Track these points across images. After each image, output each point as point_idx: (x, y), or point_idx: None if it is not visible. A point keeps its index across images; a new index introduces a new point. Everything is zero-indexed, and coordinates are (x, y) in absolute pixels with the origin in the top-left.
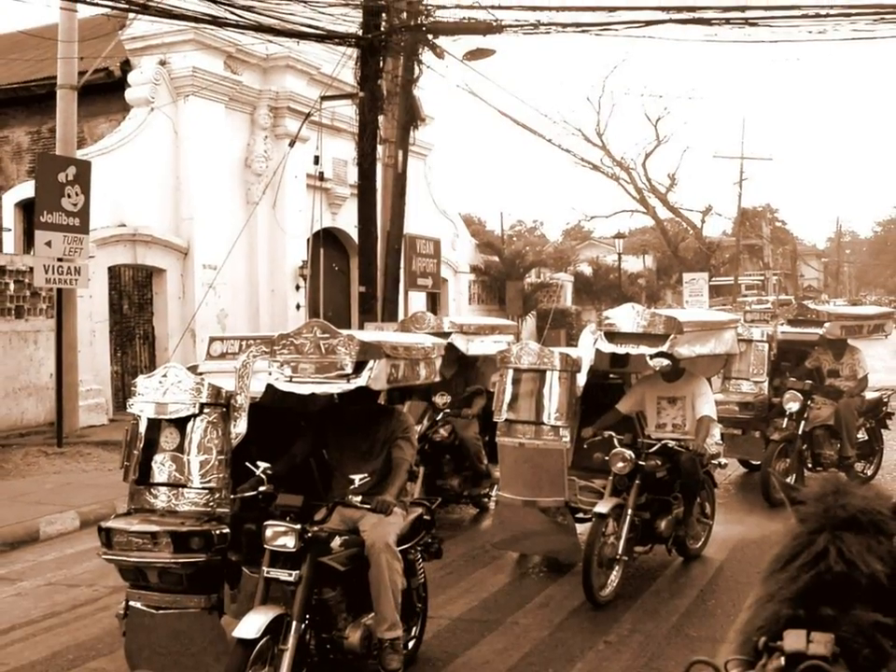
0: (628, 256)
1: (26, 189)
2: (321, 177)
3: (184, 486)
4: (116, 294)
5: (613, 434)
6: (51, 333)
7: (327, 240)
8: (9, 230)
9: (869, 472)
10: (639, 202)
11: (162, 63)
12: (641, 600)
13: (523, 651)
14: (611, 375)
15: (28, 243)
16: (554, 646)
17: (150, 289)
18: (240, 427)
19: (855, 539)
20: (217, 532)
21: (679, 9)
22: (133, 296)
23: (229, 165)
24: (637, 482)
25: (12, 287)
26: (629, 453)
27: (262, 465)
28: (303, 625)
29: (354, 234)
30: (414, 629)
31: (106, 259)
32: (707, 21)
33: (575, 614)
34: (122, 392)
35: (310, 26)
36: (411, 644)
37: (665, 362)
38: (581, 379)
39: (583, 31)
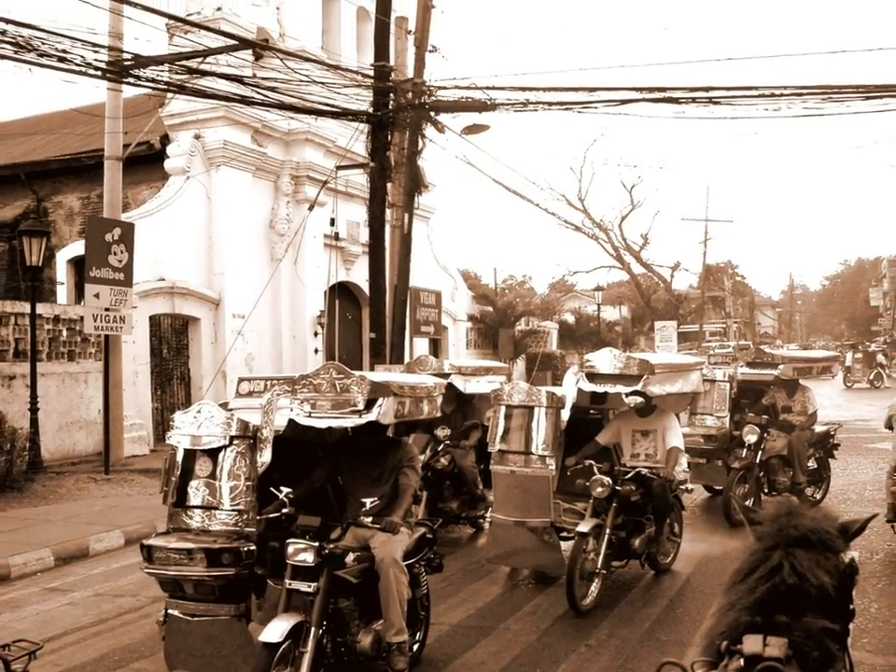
0: (606, 306)
1: (77, 248)
2: (336, 237)
3: (216, 509)
4: (156, 340)
5: (593, 463)
6: (99, 374)
7: (341, 292)
8: (63, 283)
9: (818, 496)
10: (616, 259)
11: (197, 137)
12: (618, 609)
13: (514, 653)
14: (591, 411)
15: (79, 295)
16: (542, 649)
17: (186, 336)
18: (265, 456)
19: (806, 554)
20: (246, 549)
21: (651, 90)
22: (172, 341)
23: (255, 226)
24: (614, 504)
25: (65, 333)
26: (607, 479)
27: (285, 490)
28: (321, 631)
29: (365, 287)
30: (419, 634)
31: (148, 309)
32: (676, 100)
33: (560, 621)
34: (162, 426)
35: (327, 104)
36: (415, 647)
37: (639, 399)
38: (565, 414)
39: (567, 108)
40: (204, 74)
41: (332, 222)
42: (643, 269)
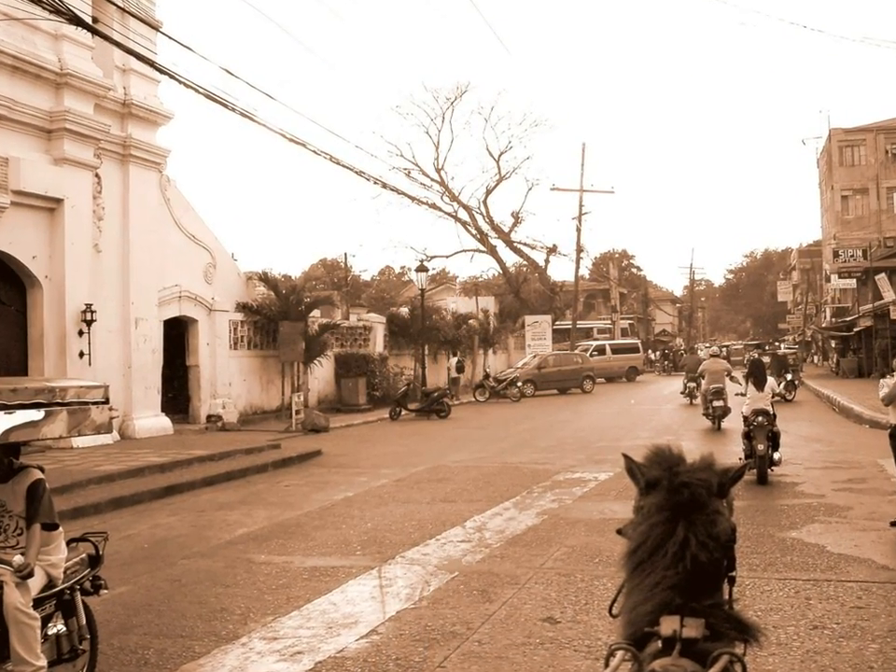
0: (465, 298)
1: None
2: None
3: None
4: None
5: None
6: None
7: None
8: None
9: None
10: (480, 241)
11: None
12: None
13: None
14: None
15: None
16: None
17: None
18: None
19: (701, 520)
20: None
21: None
22: None
23: None
24: None
25: None
26: None
27: None
28: None
29: None
30: (83, 669)
31: None
32: None
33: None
34: None
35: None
36: None
37: None
38: None
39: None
40: None
41: None
42: (515, 254)
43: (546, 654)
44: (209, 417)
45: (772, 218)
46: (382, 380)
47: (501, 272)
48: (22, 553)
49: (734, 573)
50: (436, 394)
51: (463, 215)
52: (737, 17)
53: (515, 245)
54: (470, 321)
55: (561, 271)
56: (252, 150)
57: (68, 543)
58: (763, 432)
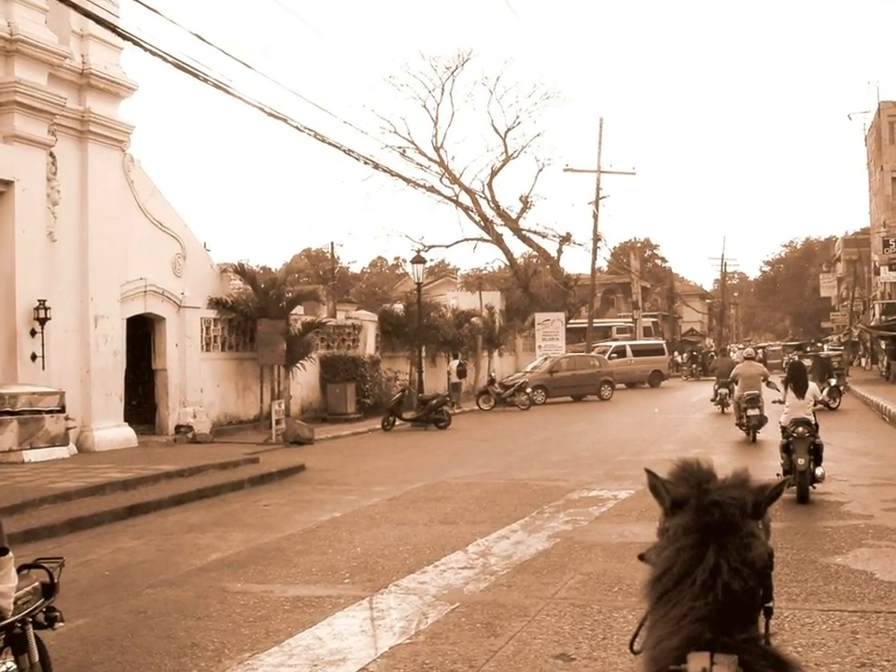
0: (466, 293)
1: None
2: None
3: None
4: None
5: None
6: None
7: None
8: None
9: None
10: (484, 228)
11: None
12: None
13: None
14: None
15: None
16: None
17: None
18: None
19: (735, 545)
20: None
21: None
22: None
23: None
24: None
25: None
26: None
27: None
28: None
29: None
30: None
31: None
32: None
33: None
34: None
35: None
36: None
37: None
38: None
39: None
40: None
41: None
42: (523, 243)
43: None
44: (178, 428)
45: (814, 204)
46: (373, 385)
47: (508, 263)
48: None
49: (770, 604)
50: (434, 401)
51: (465, 199)
52: None
53: (524, 233)
54: (473, 319)
55: (576, 262)
56: (227, 127)
57: (19, 570)
58: (803, 445)
